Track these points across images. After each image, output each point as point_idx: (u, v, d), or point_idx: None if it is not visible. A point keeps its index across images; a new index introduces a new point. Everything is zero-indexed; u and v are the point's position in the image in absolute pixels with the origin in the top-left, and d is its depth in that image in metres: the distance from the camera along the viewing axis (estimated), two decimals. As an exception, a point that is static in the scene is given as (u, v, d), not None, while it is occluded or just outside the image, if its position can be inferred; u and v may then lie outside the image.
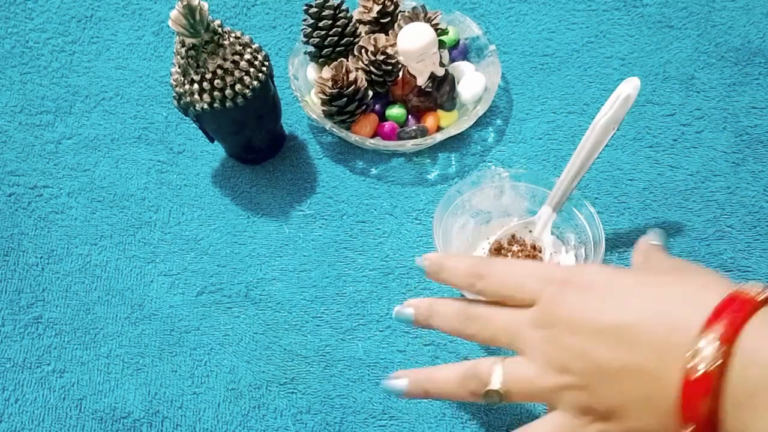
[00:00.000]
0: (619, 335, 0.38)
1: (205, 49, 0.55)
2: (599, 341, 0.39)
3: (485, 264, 0.45)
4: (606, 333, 0.38)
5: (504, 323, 0.44)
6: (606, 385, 0.39)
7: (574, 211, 0.56)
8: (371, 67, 0.63)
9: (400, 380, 0.47)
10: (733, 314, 0.35)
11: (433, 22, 0.65)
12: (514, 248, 0.58)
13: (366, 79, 0.64)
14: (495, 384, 0.42)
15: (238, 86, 0.57)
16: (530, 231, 0.57)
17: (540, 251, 0.57)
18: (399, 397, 0.49)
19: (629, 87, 0.53)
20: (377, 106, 0.66)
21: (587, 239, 0.55)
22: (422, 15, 0.65)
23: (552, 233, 0.58)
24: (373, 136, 0.65)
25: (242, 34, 0.58)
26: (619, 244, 0.60)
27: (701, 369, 0.34)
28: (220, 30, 0.56)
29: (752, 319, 0.35)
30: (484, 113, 0.66)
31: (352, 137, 0.64)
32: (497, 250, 0.58)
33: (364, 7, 0.68)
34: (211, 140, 0.64)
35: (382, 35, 0.65)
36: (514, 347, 0.43)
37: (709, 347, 0.34)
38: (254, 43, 0.59)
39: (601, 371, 0.39)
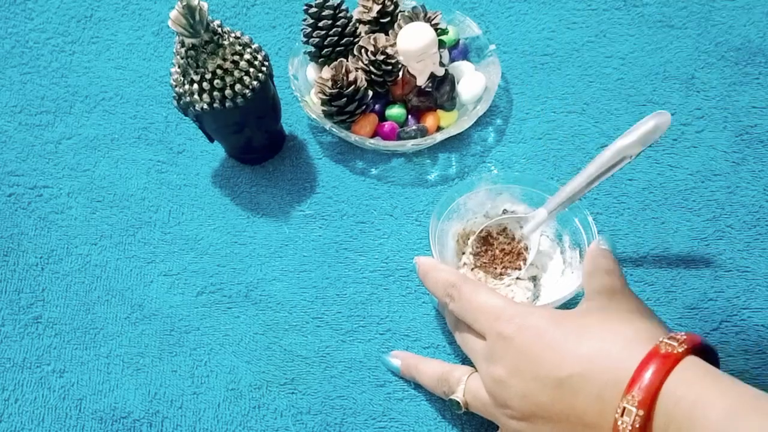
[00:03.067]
0: (557, 385, 0.42)
1: (205, 49, 0.55)
2: (539, 387, 0.43)
3: (457, 287, 0.49)
4: (545, 380, 0.42)
5: (469, 350, 0.49)
6: (545, 424, 0.43)
7: (570, 214, 0.56)
8: (371, 67, 0.63)
9: (395, 360, 0.55)
10: (652, 375, 0.38)
11: (433, 22, 0.65)
12: (501, 239, 0.58)
13: (366, 79, 0.64)
14: (458, 395, 0.49)
15: (237, 86, 0.57)
16: (521, 227, 0.57)
17: (526, 249, 0.57)
18: (395, 374, 0.56)
19: (658, 120, 0.50)
20: (377, 106, 0.66)
21: (581, 243, 0.55)
22: (422, 15, 0.65)
23: (547, 235, 0.58)
24: (372, 136, 0.65)
25: (242, 34, 0.58)
26: (618, 245, 0.60)
27: (627, 428, 0.38)
28: (219, 30, 0.56)
29: (672, 375, 0.38)
30: (484, 113, 0.66)
31: (352, 137, 0.64)
32: (484, 238, 0.58)
33: (364, 6, 0.68)
34: (211, 140, 0.64)
35: (382, 35, 0.65)
36: (475, 368, 0.49)
37: (631, 408, 0.38)
38: (254, 43, 0.59)
39: (540, 411, 0.43)
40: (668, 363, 0.38)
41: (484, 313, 0.47)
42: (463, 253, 0.58)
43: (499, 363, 0.45)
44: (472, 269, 0.58)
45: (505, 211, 0.58)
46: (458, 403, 0.49)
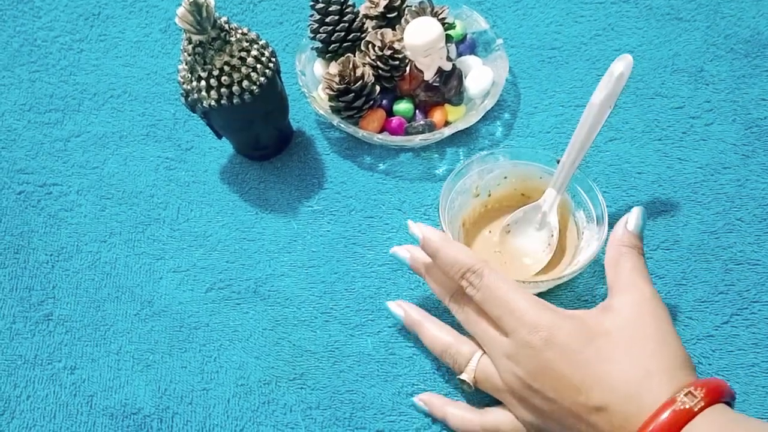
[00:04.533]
0: (573, 403, 0.43)
1: (212, 46, 0.55)
2: (558, 397, 0.44)
3: (479, 275, 0.48)
4: (564, 396, 0.43)
5: (486, 340, 0.48)
6: (556, 424, 0.45)
7: (578, 190, 0.56)
8: (378, 63, 0.63)
9: (398, 310, 0.55)
10: (660, 428, 0.39)
11: (440, 17, 0.65)
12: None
13: (373, 75, 0.64)
14: (467, 375, 0.50)
15: (245, 83, 0.57)
16: (540, 213, 0.58)
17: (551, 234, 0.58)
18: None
19: (622, 64, 0.52)
20: (384, 102, 0.65)
21: (592, 217, 0.55)
22: (429, 9, 0.65)
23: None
24: (380, 132, 0.65)
25: (249, 30, 0.58)
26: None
27: None
28: (226, 27, 0.56)
29: (685, 428, 0.39)
30: (492, 107, 0.65)
31: (360, 133, 0.64)
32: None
33: (371, 2, 0.68)
34: (219, 137, 0.64)
35: (389, 30, 0.65)
36: (490, 358, 0.49)
37: None
38: (261, 40, 0.59)
39: (554, 414, 0.44)
40: (681, 420, 0.39)
41: (509, 314, 0.46)
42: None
43: (522, 367, 0.45)
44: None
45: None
46: (469, 384, 0.50)
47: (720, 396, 0.41)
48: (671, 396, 0.40)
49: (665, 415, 0.39)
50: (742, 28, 0.71)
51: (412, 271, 0.55)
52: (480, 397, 0.52)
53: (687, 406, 0.39)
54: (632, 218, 0.50)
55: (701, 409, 0.39)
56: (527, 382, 0.45)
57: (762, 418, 0.52)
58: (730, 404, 0.42)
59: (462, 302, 0.50)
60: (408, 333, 0.57)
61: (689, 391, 0.40)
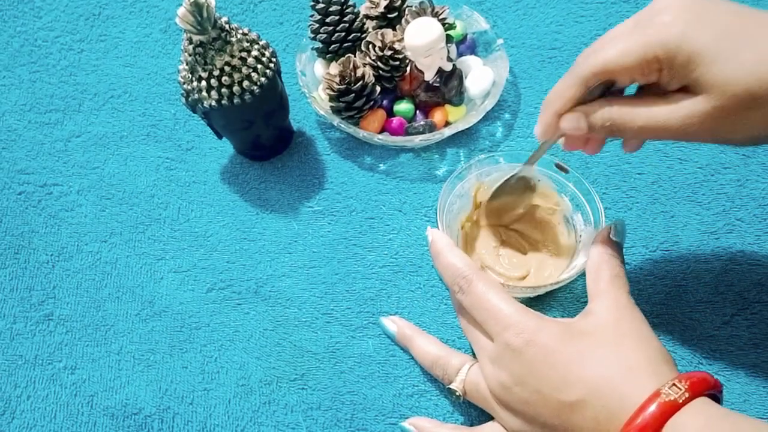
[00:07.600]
0: (558, 404, 0.43)
1: (213, 46, 0.55)
2: (541, 399, 0.44)
3: (468, 281, 0.49)
4: (548, 397, 0.44)
5: (475, 345, 0.49)
6: (542, 429, 0.45)
7: (577, 193, 0.56)
8: (379, 63, 0.63)
9: (392, 325, 0.57)
10: (650, 420, 0.39)
11: (440, 17, 0.65)
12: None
13: (373, 75, 0.64)
14: (457, 385, 0.50)
15: (245, 83, 0.57)
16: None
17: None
18: (389, 338, 0.57)
19: None
20: (385, 102, 0.66)
21: (590, 220, 0.55)
22: (429, 10, 0.65)
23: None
24: (381, 132, 0.65)
25: (249, 30, 0.58)
26: (627, 240, 0.60)
27: None
28: (227, 27, 0.56)
29: (671, 420, 0.39)
30: (492, 108, 0.66)
31: (360, 133, 0.64)
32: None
33: (371, 2, 0.68)
34: (220, 137, 0.64)
35: (390, 30, 0.65)
36: (480, 365, 0.49)
37: None
38: (261, 40, 0.59)
39: (540, 418, 0.44)
40: (667, 412, 0.39)
41: (494, 318, 0.46)
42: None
43: (505, 370, 0.46)
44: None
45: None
46: (457, 393, 0.50)
47: (705, 388, 0.41)
48: (656, 389, 0.40)
49: (652, 407, 0.39)
50: (743, 28, 0.71)
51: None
52: (482, 420, 0.52)
53: (672, 398, 0.39)
54: (614, 229, 0.51)
55: (686, 401, 0.40)
56: (510, 385, 0.45)
57: (762, 418, 0.52)
58: (717, 397, 0.42)
59: (462, 310, 0.51)
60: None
61: (674, 384, 0.40)
